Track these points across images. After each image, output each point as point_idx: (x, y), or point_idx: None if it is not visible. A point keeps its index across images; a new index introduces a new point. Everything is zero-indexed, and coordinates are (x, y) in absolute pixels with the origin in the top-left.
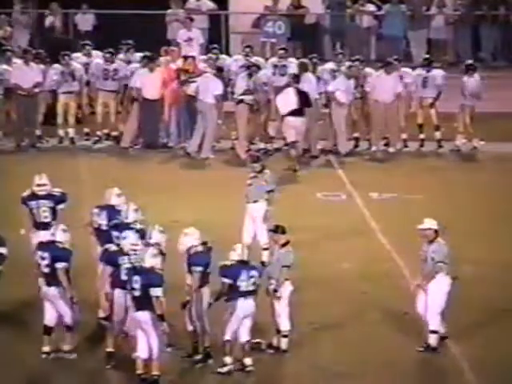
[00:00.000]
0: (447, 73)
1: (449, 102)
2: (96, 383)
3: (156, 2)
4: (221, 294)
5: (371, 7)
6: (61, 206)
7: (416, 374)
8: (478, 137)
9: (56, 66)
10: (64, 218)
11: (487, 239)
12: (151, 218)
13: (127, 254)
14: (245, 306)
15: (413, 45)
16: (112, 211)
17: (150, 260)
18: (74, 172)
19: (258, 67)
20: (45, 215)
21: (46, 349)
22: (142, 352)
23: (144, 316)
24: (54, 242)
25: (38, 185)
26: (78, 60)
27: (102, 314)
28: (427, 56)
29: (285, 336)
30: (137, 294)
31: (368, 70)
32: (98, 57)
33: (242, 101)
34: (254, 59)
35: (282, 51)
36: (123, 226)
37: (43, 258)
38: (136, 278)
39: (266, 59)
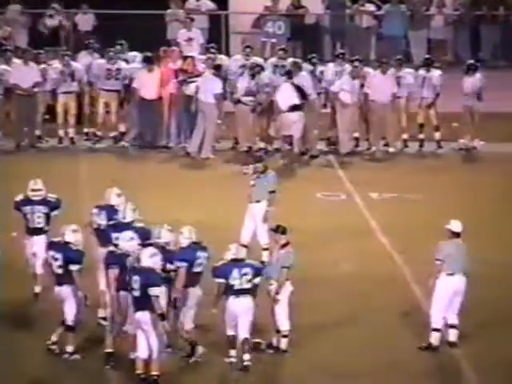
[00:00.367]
0: (447, 73)
1: (449, 101)
2: (96, 383)
3: (156, 2)
4: (218, 295)
5: (371, 7)
6: (55, 213)
7: (416, 374)
8: (478, 137)
9: (55, 65)
10: (64, 218)
11: (487, 239)
12: (151, 217)
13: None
14: (236, 304)
15: (413, 45)
16: (111, 211)
17: (148, 260)
18: (74, 172)
19: (262, 68)
20: (39, 221)
21: (54, 339)
22: (141, 352)
23: (144, 316)
24: (67, 243)
25: (33, 190)
26: (82, 60)
27: (101, 314)
28: (428, 56)
29: (285, 336)
30: (136, 294)
31: (367, 69)
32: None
33: (241, 102)
34: (253, 59)
35: (281, 52)
36: (123, 226)
37: (56, 259)
38: (135, 278)
39: (266, 59)
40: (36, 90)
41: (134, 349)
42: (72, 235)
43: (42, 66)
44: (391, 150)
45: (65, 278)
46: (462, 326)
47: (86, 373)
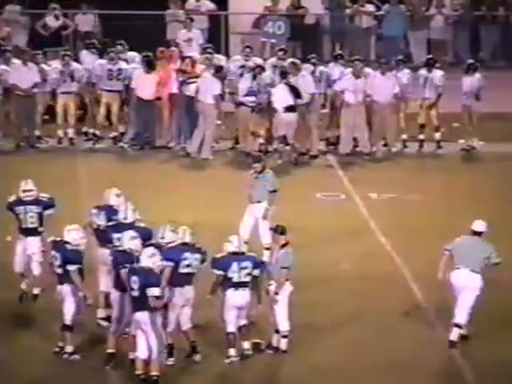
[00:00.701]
0: (447, 73)
1: (449, 102)
2: (96, 383)
3: (156, 3)
4: (215, 286)
5: (371, 7)
6: (48, 212)
7: (416, 374)
8: (477, 137)
9: (55, 65)
10: (63, 218)
11: (488, 239)
12: (151, 218)
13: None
14: (235, 296)
15: (412, 45)
16: (110, 212)
17: (147, 260)
18: (74, 172)
19: (263, 68)
20: (32, 221)
21: (60, 344)
22: (141, 352)
23: (143, 316)
24: (65, 242)
25: (24, 190)
26: (85, 59)
27: (101, 315)
28: (430, 56)
29: (284, 336)
30: (135, 294)
31: (368, 70)
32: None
33: (243, 103)
34: (252, 59)
35: (281, 52)
36: (124, 227)
37: (56, 258)
38: (134, 278)
39: (265, 59)
40: (35, 90)
41: (134, 349)
42: (71, 235)
43: (41, 66)
44: (393, 149)
45: (64, 278)
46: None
47: (86, 373)
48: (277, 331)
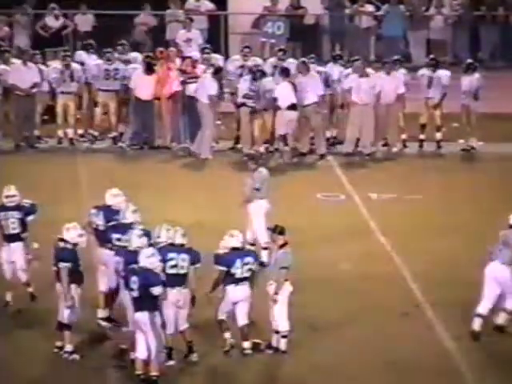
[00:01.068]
0: None
1: (448, 102)
2: (96, 383)
3: (155, 3)
4: (217, 282)
5: (370, 8)
6: (30, 218)
7: (415, 374)
8: (476, 137)
9: (55, 65)
10: (63, 218)
11: (488, 239)
12: (150, 218)
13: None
14: (236, 291)
15: (412, 45)
16: (108, 212)
17: (145, 260)
18: (73, 172)
19: (264, 73)
20: (13, 227)
21: (60, 344)
22: (140, 353)
23: (143, 317)
24: (60, 239)
25: (7, 196)
26: (94, 61)
27: (101, 315)
28: (433, 56)
29: (284, 337)
30: (135, 294)
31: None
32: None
33: (243, 104)
34: (251, 59)
35: (280, 52)
36: (125, 227)
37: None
38: (134, 278)
39: (265, 60)
40: (35, 90)
41: (134, 349)
42: (69, 233)
43: (40, 66)
44: (393, 150)
45: (58, 276)
46: (462, 326)
47: (86, 373)
48: (276, 331)
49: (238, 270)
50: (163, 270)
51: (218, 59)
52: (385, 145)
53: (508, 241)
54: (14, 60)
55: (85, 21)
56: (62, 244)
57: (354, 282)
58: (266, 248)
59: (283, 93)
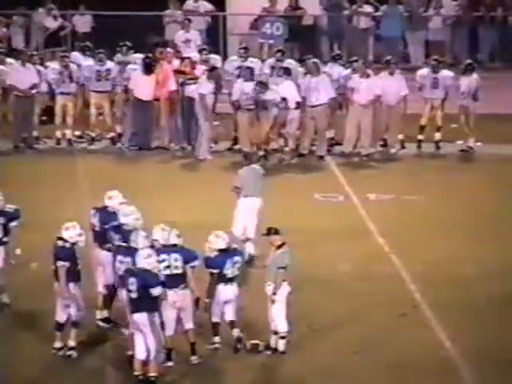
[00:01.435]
0: None
1: (447, 102)
2: (95, 383)
3: (154, 3)
4: (211, 288)
5: (369, 8)
6: (14, 223)
7: (415, 375)
8: (474, 137)
9: (54, 66)
10: (63, 218)
11: (486, 240)
12: (149, 218)
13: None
14: (227, 291)
15: (410, 46)
16: (105, 213)
17: (143, 261)
18: (72, 173)
19: (266, 85)
20: None
21: (58, 344)
22: (139, 353)
23: (141, 318)
24: (59, 238)
25: None
26: (86, 62)
27: (99, 316)
28: (436, 57)
29: (282, 337)
30: (133, 295)
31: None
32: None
33: (240, 105)
34: (249, 60)
35: (279, 53)
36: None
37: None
38: (132, 279)
39: (263, 60)
40: (34, 91)
41: (132, 349)
42: (68, 232)
43: (38, 67)
44: (392, 150)
45: (56, 274)
46: (461, 326)
47: (86, 373)
48: (275, 332)
49: (229, 271)
50: (159, 271)
51: (216, 60)
52: (383, 145)
53: None
54: (9, 60)
55: (83, 22)
56: (60, 243)
57: (353, 283)
58: (248, 239)
59: (289, 91)
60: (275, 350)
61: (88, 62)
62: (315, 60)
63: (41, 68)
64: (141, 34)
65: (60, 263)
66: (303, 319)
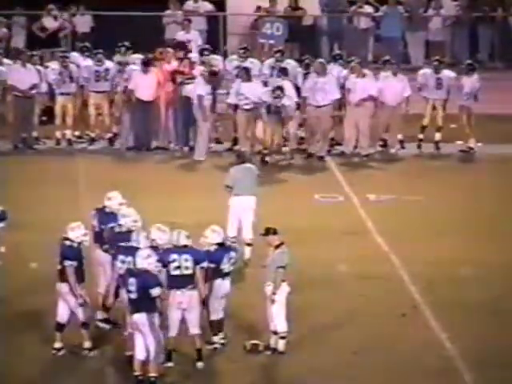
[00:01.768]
0: None
1: (448, 103)
2: (95, 383)
3: (154, 4)
4: (208, 280)
5: (369, 9)
6: (0, 225)
7: (414, 375)
8: (475, 138)
9: (54, 66)
10: (62, 218)
11: (486, 240)
12: (149, 219)
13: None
14: (223, 286)
15: (410, 46)
16: (103, 214)
17: (143, 262)
18: (72, 173)
19: (283, 91)
20: None
21: (57, 345)
22: (139, 353)
23: (141, 318)
24: (65, 238)
25: None
26: (84, 62)
27: (100, 316)
28: (438, 57)
29: (282, 338)
30: (133, 296)
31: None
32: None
33: (237, 107)
34: (249, 60)
35: (278, 53)
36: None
37: (58, 255)
38: (131, 280)
39: (263, 61)
40: (34, 91)
41: (132, 349)
42: (74, 232)
43: (38, 67)
44: (391, 151)
45: (64, 275)
46: (461, 326)
47: (86, 373)
48: (275, 332)
49: (226, 266)
50: (167, 271)
51: (217, 60)
52: (383, 146)
53: None
54: (6, 61)
55: (83, 22)
56: (68, 242)
57: (352, 283)
58: (249, 244)
59: (292, 91)
60: (275, 350)
61: (87, 62)
62: (321, 60)
63: (41, 68)
64: (140, 35)
65: (68, 263)
66: (303, 319)
